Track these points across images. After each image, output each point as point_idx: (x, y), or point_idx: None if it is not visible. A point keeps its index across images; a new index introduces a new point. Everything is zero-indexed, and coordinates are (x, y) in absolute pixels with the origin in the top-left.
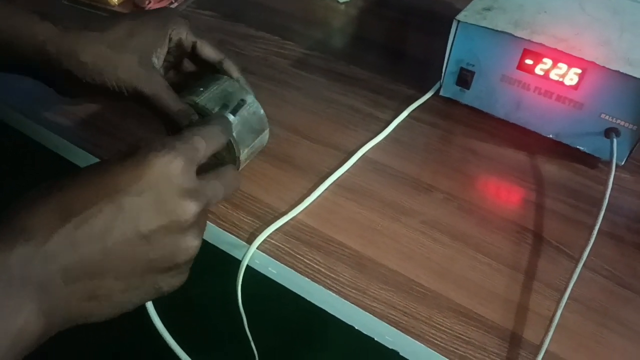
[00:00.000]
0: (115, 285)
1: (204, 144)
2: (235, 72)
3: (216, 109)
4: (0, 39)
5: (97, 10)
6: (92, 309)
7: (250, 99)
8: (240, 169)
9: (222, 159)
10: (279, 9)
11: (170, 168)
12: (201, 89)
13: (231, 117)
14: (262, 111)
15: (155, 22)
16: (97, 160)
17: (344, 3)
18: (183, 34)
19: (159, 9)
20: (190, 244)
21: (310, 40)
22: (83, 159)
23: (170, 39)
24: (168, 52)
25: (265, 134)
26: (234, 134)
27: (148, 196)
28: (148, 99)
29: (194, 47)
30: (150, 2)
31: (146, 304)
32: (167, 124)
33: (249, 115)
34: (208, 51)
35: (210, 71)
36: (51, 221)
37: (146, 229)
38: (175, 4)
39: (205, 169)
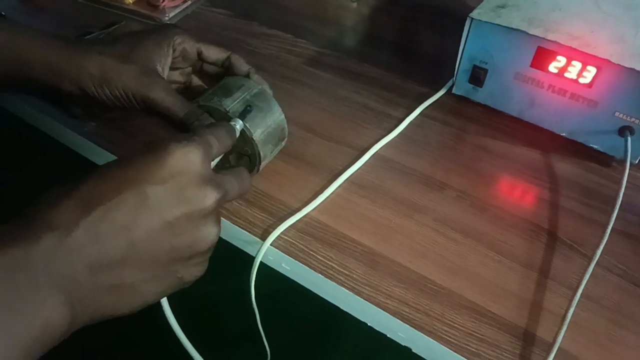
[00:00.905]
0: (139, 275)
1: (216, 142)
2: (244, 65)
3: (227, 105)
4: (12, 57)
5: (111, 8)
6: (116, 301)
7: (278, 110)
8: (262, 165)
9: (242, 163)
10: (292, 8)
11: (190, 157)
12: (229, 94)
13: (239, 123)
14: (285, 122)
15: (156, 36)
16: (112, 156)
17: (356, 1)
18: (186, 43)
19: (159, 25)
20: (211, 230)
21: (323, 38)
22: (98, 155)
23: (174, 50)
24: (175, 64)
25: (284, 143)
26: (260, 144)
27: (170, 184)
28: (154, 103)
29: (200, 53)
30: (164, 1)
31: (161, 300)
32: (178, 128)
33: (273, 127)
34: (213, 52)
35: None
36: (75, 213)
37: (170, 216)
38: (189, 2)
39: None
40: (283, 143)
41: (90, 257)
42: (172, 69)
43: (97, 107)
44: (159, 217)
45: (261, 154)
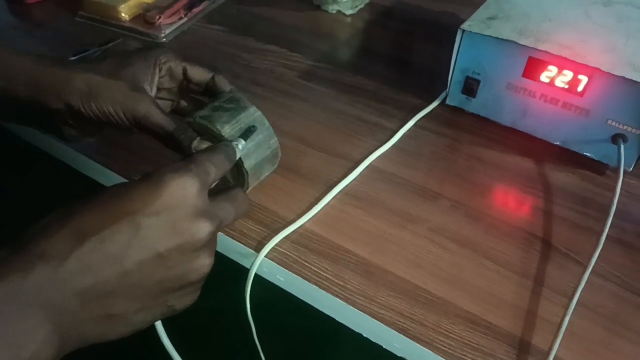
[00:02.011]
0: (129, 306)
1: (214, 168)
2: (227, 85)
3: (226, 129)
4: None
5: (109, 26)
6: (106, 329)
7: (273, 139)
8: (250, 188)
9: (226, 183)
10: (287, 23)
11: (186, 189)
12: (228, 117)
13: (242, 143)
14: (279, 150)
15: (142, 55)
16: (112, 172)
17: (350, 15)
18: (172, 62)
19: (144, 47)
20: (203, 262)
21: (318, 52)
22: (99, 172)
23: (160, 69)
24: (161, 84)
25: (275, 168)
26: (251, 173)
27: (164, 216)
28: (143, 117)
29: (185, 72)
30: (160, 18)
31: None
32: (167, 143)
33: (266, 155)
34: (197, 72)
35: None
36: (67, 243)
37: (162, 248)
38: (185, 19)
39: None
40: (274, 168)
41: (82, 287)
42: (159, 88)
43: (87, 125)
44: (151, 249)
45: (249, 183)
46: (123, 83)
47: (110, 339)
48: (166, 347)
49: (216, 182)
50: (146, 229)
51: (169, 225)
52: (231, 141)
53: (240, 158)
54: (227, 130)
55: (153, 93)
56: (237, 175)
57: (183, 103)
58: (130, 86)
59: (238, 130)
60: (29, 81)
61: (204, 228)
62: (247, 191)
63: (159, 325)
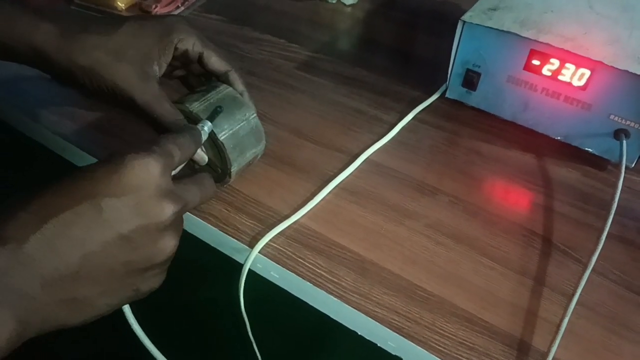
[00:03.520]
0: (93, 289)
1: (178, 151)
2: (239, 85)
3: (222, 132)
4: (5, 38)
5: (104, 14)
6: (69, 313)
7: (249, 112)
8: (231, 180)
9: (215, 170)
10: (286, 12)
11: (149, 170)
12: (199, 96)
13: (208, 125)
14: (259, 124)
15: (161, 30)
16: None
17: (350, 5)
18: (190, 45)
19: (165, 15)
20: (168, 243)
21: (316, 42)
22: (89, 162)
23: (176, 48)
24: (173, 63)
25: (261, 147)
26: (229, 146)
27: (127, 198)
28: (139, 107)
29: (200, 57)
30: (156, 7)
31: (123, 309)
32: (160, 133)
33: (243, 128)
34: (214, 62)
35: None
36: (28, 227)
37: (125, 230)
38: (182, 8)
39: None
40: (260, 147)
41: (44, 271)
42: (170, 63)
43: (84, 88)
44: (114, 231)
45: (230, 158)
46: (129, 67)
47: (75, 323)
48: (144, 343)
49: (182, 164)
50: (109, 211)
51: (131, 207)
52: (199, 124)
53: (214, 134)
54: (195, 107)
55: (161, 72)
56: (220, 158)
57: (193, 80)
58: (135, 70)
59: (207, 110)
60: (31, 45)
61: (167, 208)
62: (235, 170)
63: (126, 309)
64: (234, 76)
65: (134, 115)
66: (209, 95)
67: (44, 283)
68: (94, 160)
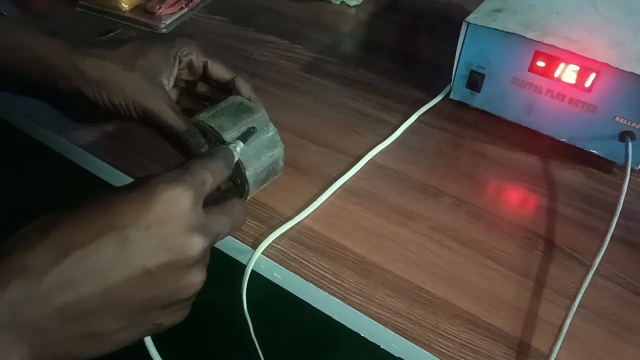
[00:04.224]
0: (113, 325)
1: (210, 177)
2: (247, 90)
3: (228, 132)
4: (7, 57)
5: (108, 16)
6: (86, 348)
7: (276, 140)
8: (250, 197)
9: (234, 185)
10: (289, 14)
11: (179, 202)
12: (215, 111)
13: (240, 146)
14: (282, 154)
15: (163, 44)
16: (109, 167)
17: (354, 7)
18: (193, 55)
19: (166, 35)
20: (195, 279)
21: (320, 44)
22: (100, 168)
23: (180, 61)
24: (179, 75)
25: (279, 174)
26: (251, 180)
27: (155, 231)
28: (153, 115)
29: (205, 67)
30: (160, 8)
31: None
32: (174, 143)
33: (269, 160)
34: (219, 70)
35: (223, 94)
36: (48, 258)
37: (151, 264)
38: (186, 9)
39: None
40: (277, 177)
41: (62, 304)
42: (176, 78)
43: (96, 109)
44: (138, 266)
45: (250, 189)
46: (138, 75)
47: (91, 357)
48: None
49: (213, 189)
50: (134, 244)
51: (159, 241)
52: (229, 144)
53: (240, 162)
54: (228, 133)
55: (170, 85)
56: (237, 176)
57: (201, 87)
58: (145, 79)
59: (238, 133)
60: (40, 62)
61: (197, 244)
62: (249, 196)
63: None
64: (241, 81)
65: (148, 126)
66: (242, 120)
67: (62, 317)
68: (97, 161)
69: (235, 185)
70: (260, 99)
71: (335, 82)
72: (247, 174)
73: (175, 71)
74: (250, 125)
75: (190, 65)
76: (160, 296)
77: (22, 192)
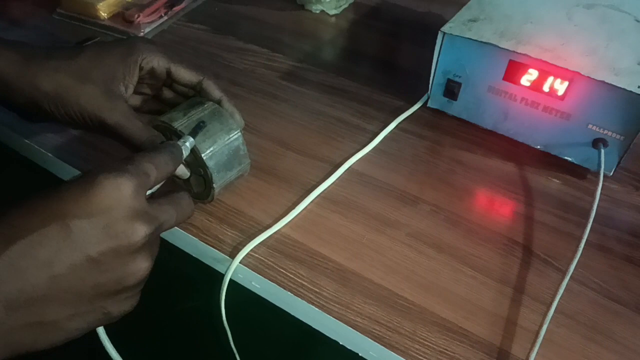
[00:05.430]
0: (62, 312)
1: (154, 170)
2: (215, 91)
3: (178, 122)
4: None
5: (87, 24)
6: (36, 337)
7: (235, 135)
8: (215, 196)
9: (200, 185)
10: (269, 22)
11: (120, 190)
12: (181, 112)
13: (189, 141)
14: (241, 140)
15: (122, 51)
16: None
17: (334, 15)
18: (155, 62)
19: (126, 38)
20: (140, 266)
21: (300, 52)
22: (69, 173)
23: (141, 68)
24: (142, 82)
25: (246, 170)
26: (211, 164)
27: (97, 219)
28: (110, 128)
29: (169, 73)
30: (139, 17)
31: (97, 330)
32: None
33: (226, 144)
34: (184, 74)
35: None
36: None
37: (95, 252)
38: (165, 18)
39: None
40: (244, 166)
41: (8, 294)
42: (139, 82)
43: (52, 119)
44: (82, 253)
45: (214, 176)
46: (95, 87)
47: (42, 347)
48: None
49: (160, 183)
50: (77, 232)
51: (101, 228)
52: (182, 135)
53: (197, 150)
54: (177, 123)
55: (129, 93)
56: (204, 175)
57: (167, 94)
58: (101, 90)
59: (187, 121)
60: None
61: (139, 230)
62: (217, 188)
63: (103, 335)
64: (208, 83)
65: (108, 137)
66: (195, 111)
67: (8, 306)
68: (66, 166)
69: (203, 177)
70: (231, 101)
71: (315, 90)
72: (204, 157)
73: (135, 78)
74: (201, 119)
75: (152, 72)
76: (106, 283)
77: None
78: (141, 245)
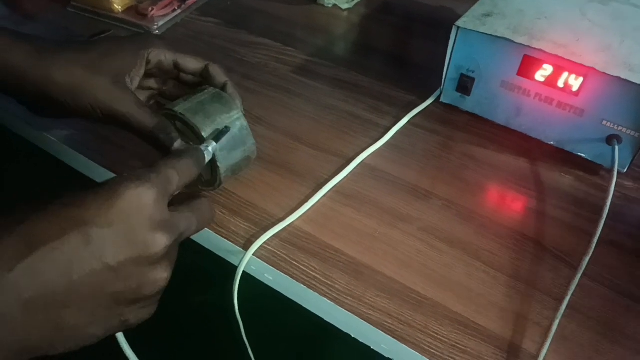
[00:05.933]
0: (79, 318)
1: (177, 176)
2: (221, 76)
3: (197, 119)
4: None
5: (101, 17)
6: (53, 341)
7: (236, 114)
8: (222, 180)
9: (208, 172)
10: (282, 16)
11: (142, 199)
12: (180, 99)
13: (213, 145)
14: (247, 127)
15: (131, 45)
16: (97, 166)
17: (346, 10)
18: (162, 55)
19: (135, 34)
20: (159, 276)
21: (312, 47)
22: (87, 167)
23: (149, 62)
24: (151, 76)
25: (252, 151)
26: (216, 154)
27: (118, 227)
28: (121, 117)
29: (176, 64)
30: (153, 10)
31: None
32: (146, 141)
33: (233, 134)
34: (190, 62)
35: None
36: (15, 252)
37: (114, 261)
38: (179, 11)
39: (180, 195)
40: (249, 146)
41: (28, 296)
42: (147, 76)
43: (63, 111)
44: (101, 261)
45: (217, 154)
46: (105, 79)
47: (59, 351)
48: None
49: (181, 188)
50: (97, 241)
51: (122, 237)
52: (203, 144)
53: (198, 132)
54: (206, 132)
55: (135, 85)
56: (209, 170)
57: (172, 88)
58: (111, 80)
59: (214, 131)
60: (6, 65)
61: (160, 240)
62: (223, 170)
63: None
64: (214, 67)
65: (117, 127)
66: (193, 95)
67: (27, 309)
68: (80, 156)
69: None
70: (235, 87)
71: (327, 85)
72: (204, 134)
73: (141, 71)
74: (226, 124)
75: (159, 65)
76: (124, 292)
77: (6, 190)
78: (161, 255)
